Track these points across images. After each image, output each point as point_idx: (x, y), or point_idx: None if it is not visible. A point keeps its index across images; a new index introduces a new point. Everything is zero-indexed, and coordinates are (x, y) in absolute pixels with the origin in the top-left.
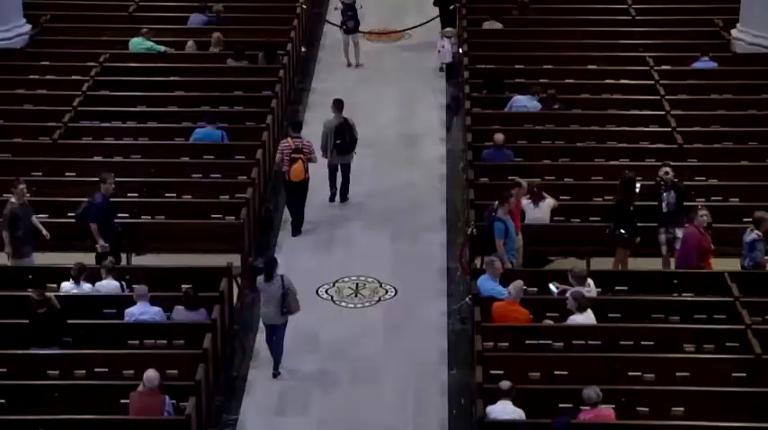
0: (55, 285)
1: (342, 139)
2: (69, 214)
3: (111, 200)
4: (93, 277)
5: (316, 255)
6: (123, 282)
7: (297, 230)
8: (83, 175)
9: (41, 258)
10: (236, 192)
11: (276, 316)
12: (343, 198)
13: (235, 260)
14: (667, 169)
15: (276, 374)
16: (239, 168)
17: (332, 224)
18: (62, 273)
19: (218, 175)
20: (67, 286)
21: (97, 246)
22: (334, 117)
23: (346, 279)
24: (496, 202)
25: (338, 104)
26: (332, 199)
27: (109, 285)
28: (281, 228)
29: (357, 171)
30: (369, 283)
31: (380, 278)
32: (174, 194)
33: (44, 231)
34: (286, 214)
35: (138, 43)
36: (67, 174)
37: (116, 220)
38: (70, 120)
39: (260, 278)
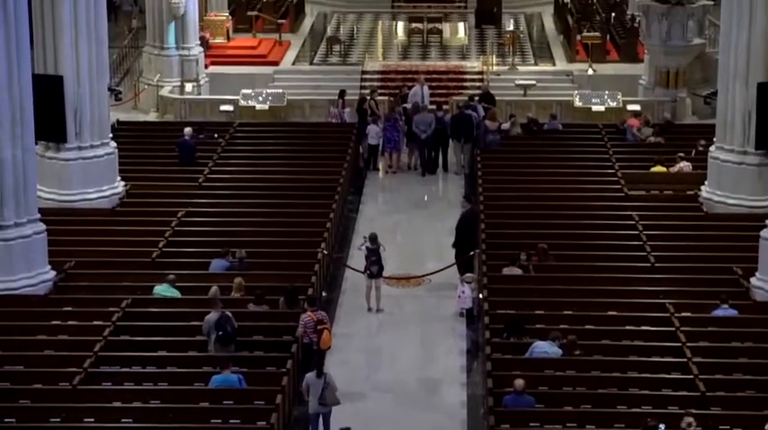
0: None
1: (224, 331)
2: None
3: None
4: None
5: None
6: None
7: None
8: (102, 421)
9: None
10: None
11: (318, 406)
12: None
13: None
14: (690, 419)
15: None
16: (259, 414)
17: None
18: None
19: (238, 421)
20: None
21: None
22: (213, 312)
23: None
24: None
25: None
26: None
27: None
28: None
29: (377, 416)
30: None
31: None
32: None
33: None
34: None
35: (162, 290)
36: (86, 420)
37: None
38: (90, 366)
39: (310, 374)
